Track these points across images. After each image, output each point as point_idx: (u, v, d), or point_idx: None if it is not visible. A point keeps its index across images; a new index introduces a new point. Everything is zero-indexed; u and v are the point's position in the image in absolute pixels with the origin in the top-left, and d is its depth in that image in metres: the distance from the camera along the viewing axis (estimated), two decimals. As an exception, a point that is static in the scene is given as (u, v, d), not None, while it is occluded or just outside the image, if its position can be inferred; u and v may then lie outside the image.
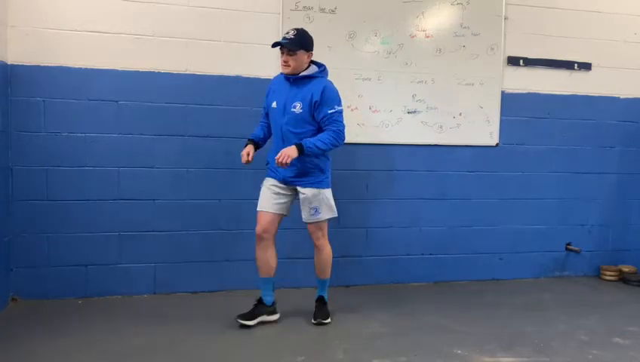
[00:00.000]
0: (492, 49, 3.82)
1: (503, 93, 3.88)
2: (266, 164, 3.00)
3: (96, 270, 3.31)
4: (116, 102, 3.28)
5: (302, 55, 2.79)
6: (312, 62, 2.89)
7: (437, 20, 3.72)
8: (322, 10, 3.52)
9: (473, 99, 3.82)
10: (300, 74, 2.82)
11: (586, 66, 4.02)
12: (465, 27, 3.76)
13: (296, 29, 2.83)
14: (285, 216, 2.98)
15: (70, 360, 2.45)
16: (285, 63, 2.80)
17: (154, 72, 3.32)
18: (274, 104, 2.89)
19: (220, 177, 3.47)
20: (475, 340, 2.79)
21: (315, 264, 3.04)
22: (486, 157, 3.90)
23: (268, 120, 3.03)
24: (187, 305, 3.26)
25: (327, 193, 2.96)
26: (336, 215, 3.00)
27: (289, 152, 2.71)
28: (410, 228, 3.80)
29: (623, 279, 4.03)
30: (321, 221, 2.94)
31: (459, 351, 2.64)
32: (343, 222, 3.68)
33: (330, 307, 3.10)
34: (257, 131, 3.06)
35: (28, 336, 2.69)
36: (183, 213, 3.42)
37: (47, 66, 3.17)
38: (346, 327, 2.94)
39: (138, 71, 3.29)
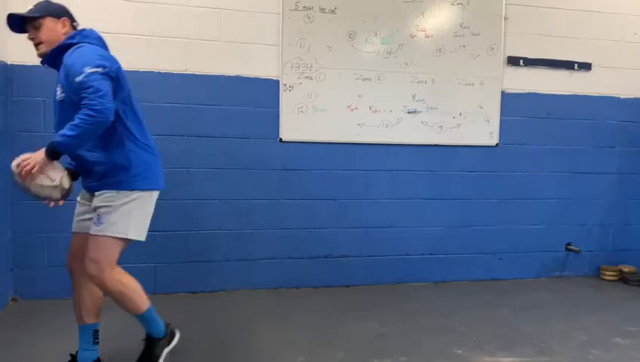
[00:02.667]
0: (492, 49, 3.82)
1: (503, 93, 3.88)
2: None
3: (96, 270, 3.30)
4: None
5: (52, 23, 2.05)
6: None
7: (437, 20, 3.72)
8: (322, 10, 3.52)
9: (473, 99, 3.82)
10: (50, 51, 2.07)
11: (586, 66, 4.02)
12: (465, 27, 3.76)
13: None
14: None
15: (70, 360, 2.45)
16: (34, 42, 2.07)
17: (154, 71, 3.32)
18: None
19: (220, 177, 3.47)
20: (475, 340, 2.79)
21: None
22: (486, 158, 3.90)
23: None
24: (187, 305, 3.26)
25: (132, 198, 2.05)
26: (128, 236, 2.05)
27: (33, 158, 1.92)
28: (410, 228, 3.81)
29: (623, 279, 4.03)
30: (102, 236, 2.01)
31: (459, 351, 2.64)
32: (343, 222, 3.68)
33: (330, 307, 3.10)
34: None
35: (28, 336, 2.69)
36: (183, 212, 3.42)
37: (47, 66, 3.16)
38: (346, 327, 2.94)
39: (138, 71, 3.28)
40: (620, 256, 4.20)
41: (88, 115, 1.86)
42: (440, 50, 3.74)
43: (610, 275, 4.06)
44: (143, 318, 2.18)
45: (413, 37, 3.69)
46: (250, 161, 3.49)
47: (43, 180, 1.96)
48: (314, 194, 3.62)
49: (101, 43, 2.15)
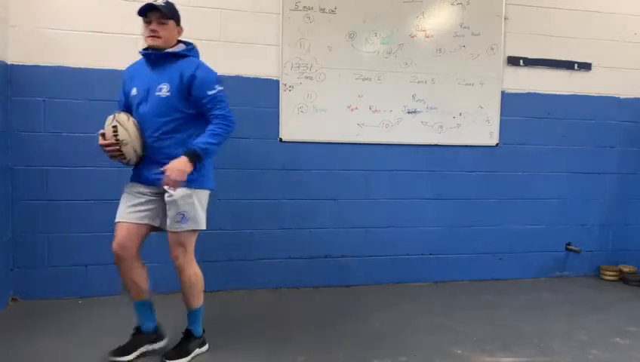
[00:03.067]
0: (492, 49, 3.82)
1: (503, 93, 3.88)
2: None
3: (96, 270, 3.31)
4: (116, 102, 3.27)
5: (173, 27, 2.38)
6: (180, 41, 2.46)
7: (437, 20, 3.72)
8: (322, 10, 3.52)
9: (473, 99, 3.82)
10: (167, 50, 2.37)
11: (586, 66, 4.02)
12: (465, 27, 3.76)
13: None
14: (154, 227, 2.43)
15: (70, 360, 2.45)
16: (154, 34, 2.32)
17: (154, 72, 3.31)
18: (134, 91, 2.39)
19: (219, 177, 3.45)
20: (475, 340, 2.79)
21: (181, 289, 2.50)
22: (486, 158, 3.90)
23: None
24: (187, 305, 3.26)
25: (202, 195, 2.42)
26: (203, 228, 2.46)
27: (180, 167, 2.21)
28: (410, 228, 3.80)
29: (623, 279, 4.03)
30: (184, 232, 2.36)
31: (459, 351, 2.64)
32: (343, 222, 3.68)
33: (330, 307, 3.10)
34: None
35: (28, 336, 2.69)
36: (183, 213, 3.41)
37: (47, 66, 3.17)
38: (346, 327, 2.94)
39: (138, 71, 3.29)
40: (620, 256, 4.20)
41: (226, 125, 2.33)
42: (440, 50, 3.73)
43: (610, 275, 4.06)
44: (194, 314, 2.52)
45: (413, 37, 3.69)
46: (250, 161, 3.49)
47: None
48: (314, 194, 3.62)
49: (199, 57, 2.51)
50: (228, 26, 3.40)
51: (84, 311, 3.09)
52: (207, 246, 3.48)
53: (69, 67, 3.19)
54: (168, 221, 2.34)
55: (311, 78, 3.53)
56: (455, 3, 3.74)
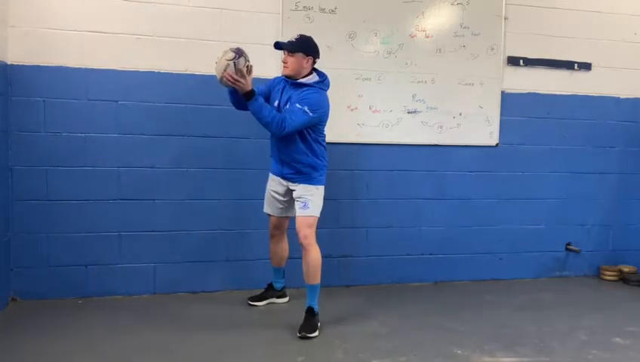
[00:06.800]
0: (492, 49, 3.82)
1: (503, 93, 3.88)
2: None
3: (96, 270, 3.31)
4: (116, 102, 3.28)
5: (300, 58, 2.82)
6: (317, 72, 2.91)
7: (437, 20, 3.72)
8: (322, 10, 3.52)
9: (473, 99, 3.82)
10: (298, 80, 2.85)
11: (586, 66, 4.02)
12: (465, 27, 3.76)
13: (302, 35, 2.88)
14: (292, 216, 3.08)
15: (70, 360, 2.45)
16: (284, 64, 2.86)
17: (154, 71, 3.32)
18: (275, 103, 2.91)
19: (220, 177, 3.47)
20: (475, 340, 2.79)
21: (303, 267, 2.91)
22: (486, 158, 3.90)
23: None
24: (187, 305, 3.26)
25: (319, 190, 2.94)
26: (318, 215, 2.91)
27: (242, 85, 2.65)
28: (410, 228, 3.80)
29: (623, 279, 4.03)
30: (309, 216, 2.88)
31: (459, 351, 2.64)
32: (343, 222, 3.68)
33: (330, 307, 3.11)
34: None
35: (28, 336, 2.69)
36: (183, 213, 3.42)
37: (47, 66, 3.16)
38: (346, 327, 2.94)
39: (138, 71, 3.29)
40: (620, 256, 4.20)
41: (276, 124, 2.69)
42: (440, 50, 3.73)
43: (610, 275, 4.06)
44: (314, 289, 2.90)
45: (413, 37, 3.69)
46: (250, 161, 3.49)
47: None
48: (314, 194, 3.61)
49: (328, 88, 2.96)
50: (228, 26, 3.40)
51: (84, 311, 3.09)
52: (208, 246, 3.49)
53: (69, 67, 3.19)
54: (296, 209, 2.92)
55: (311, 78, 3.52)
56: (455, 3, 3.74)
